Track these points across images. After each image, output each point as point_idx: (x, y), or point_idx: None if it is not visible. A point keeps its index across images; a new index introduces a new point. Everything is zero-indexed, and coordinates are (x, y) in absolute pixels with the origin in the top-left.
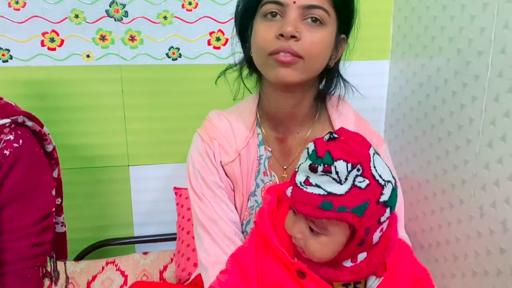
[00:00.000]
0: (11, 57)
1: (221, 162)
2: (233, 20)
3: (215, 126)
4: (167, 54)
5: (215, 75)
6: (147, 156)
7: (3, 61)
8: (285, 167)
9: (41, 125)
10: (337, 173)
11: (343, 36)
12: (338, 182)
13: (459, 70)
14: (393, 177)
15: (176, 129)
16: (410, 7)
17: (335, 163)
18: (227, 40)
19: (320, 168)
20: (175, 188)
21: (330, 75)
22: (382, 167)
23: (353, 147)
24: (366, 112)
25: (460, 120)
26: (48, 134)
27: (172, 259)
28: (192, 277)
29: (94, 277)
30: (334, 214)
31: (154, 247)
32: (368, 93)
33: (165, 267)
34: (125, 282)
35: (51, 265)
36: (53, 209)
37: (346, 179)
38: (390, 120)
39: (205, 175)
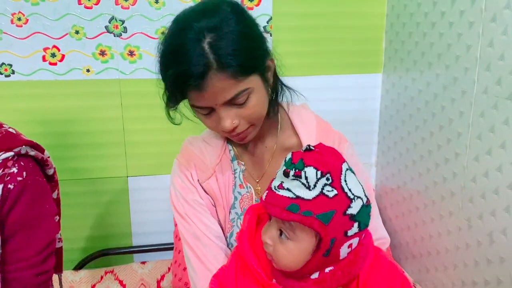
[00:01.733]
0: (13, 72)
1: (198, 180)
2: None
3: (190, 150)
4: None
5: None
6: (145, 167)
7: (6, 76)
8: (257, 180)
9: (42, 151)
10: (306, 178)
11: (268, 60)
12: (306, 188)
13: (447, 86)
14: (365, 195)
15: (174, 140)
16: (401, 23)
17: (306, 169)
18: None
19: (291, 173)
20: None
21: (273, 91)
22: (354, 183)
23: (325, 158)
24: (359, 124)
25: (448, 134)
26: (49, 157)
27: (169, 269)
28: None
29: (93, 286)
30: (299, 217)
31: (152, 257)
32: (361, 105)
33: (162, 277)
34: None
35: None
36: (56, 235)
37: (314, 185)
38: (383, 132)
39: (185, 195)
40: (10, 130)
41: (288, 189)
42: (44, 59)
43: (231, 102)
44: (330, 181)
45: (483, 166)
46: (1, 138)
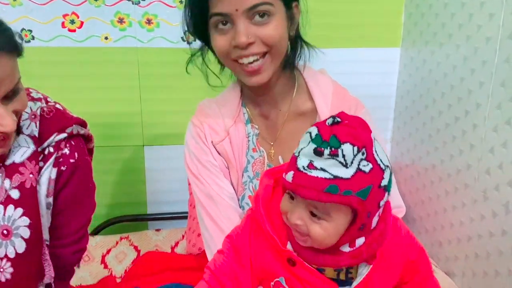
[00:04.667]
0: (33, 38)
1: (212, 142)
2: None
3: (204, 112)
4: (182, 38)
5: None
6: (161, 137)
7: (26, 42)
8: (271, 143)
9: (86, 125)
10: (343, 156)
11: (294, 3)
12: (344, 166)
13: (467, 57)
14: (389, 162)
15: (189, 111)
16: None
17: (342, 146)
18: None
19: (326, 152)
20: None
21: (293, 44)
22: (382, 152)
23: (358, 131)
24: (375, 99)
25: (467, 106)
26: (91, 135)
27: (183, 236)
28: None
29: (108, 251)
30: (339, 198)
31: (166, 225)
32: (378, 80)
33: (176, 243)
34: (138, 257)
35: None
36: (93, 211)
37: (351, 162)
38: (399, 107)
39: (199, 156)
40: (58, 106)
41: (322, 169)
42: (63, 25)
43: (251, 15)
44: (365, 155)
45: (502, 137)
46: (52, 118)
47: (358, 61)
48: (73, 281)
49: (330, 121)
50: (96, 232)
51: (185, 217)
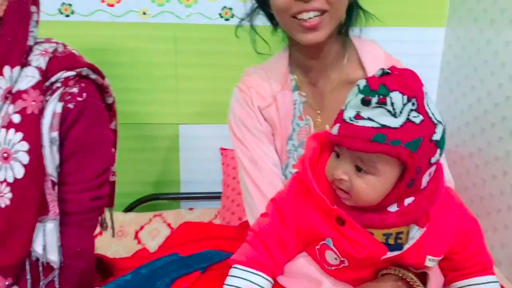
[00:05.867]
0: (72, 12)
1: (258, 107)
2: None
3: (251, 77)
4: (220, 14)
5: (266, 36)
6: (196, 116)
7: (66, 16)
8: (318, 112)
9: (103, 77)
10: (392, 104)
11: None
12: (392, 115)
13: None
14: (443, 119)
15: (226, 89)
16: None
17: (391, 94)
18: None
19: (374, 100)
20: (221, 148)
21: (349, 10)
22: (434, 107)
23: (408, 81)
24: None
25: None
26: (109, 86)
27: (216, 215)
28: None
29: (141, 227)
30: (387, 148)
31: (198, 205)
32: (420, 61)
33: (209, 222)
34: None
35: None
36: (112, 164)
37: (401, 112)
38: (443, 90)
39: (245, 120)
40: (74, 51)
41: (369, 119)
42: (102, 0)
43: None
44: (416, 106)
45: None
46: (64, 57)
47: (398, 40)
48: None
49: (379, 72)
50: (129, 209)
51: (218, 197)
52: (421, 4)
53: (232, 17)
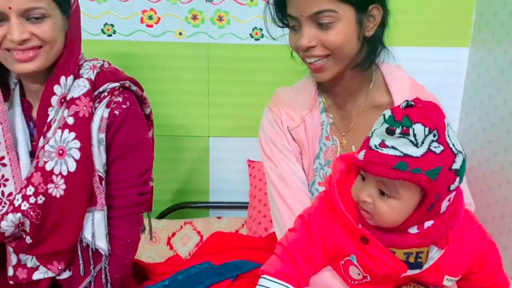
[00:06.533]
0: (114, 32)
1: (288, 127)
2: None
3: (281, 98)
4: (250, 34)
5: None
6: (226, 129)
7: (108, 35)
8: (344, 134)
9: (142, 90)
10: (414, 135)
11: (372, 6)
12: (414, 145)
13: None
14: (463, 149)
15: (254, 104)
16: None
17: (414, 126)
18: None
19: (398, 131)
20: (248, 160)
21: (371, 44)
22: (454, 137)
23: (430, 113)
24: (441, 99)
25: None
26: (147, 98)
27: (243, 225)
28: (269, 231)
29: (173, 234)
30: (408, 175)
31: (226, 214)
32: (444, 79)
33: (236, 231)
34: (201, 241)
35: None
36: (152, 164)
37: (422, 142)
38: (466, 108)
39: (274, 139)
40: (117, 67)
41: (393, 147)
42: (142, 21)
43: (316, 20)
44: (437, 137)
45: None
46: (110, 72)
47: (423, 60)
48: (142, 259)
49: (404, 104)
50: (162, 216)
51: (245, 207)
52: (447, 25)
53: (262, 37)
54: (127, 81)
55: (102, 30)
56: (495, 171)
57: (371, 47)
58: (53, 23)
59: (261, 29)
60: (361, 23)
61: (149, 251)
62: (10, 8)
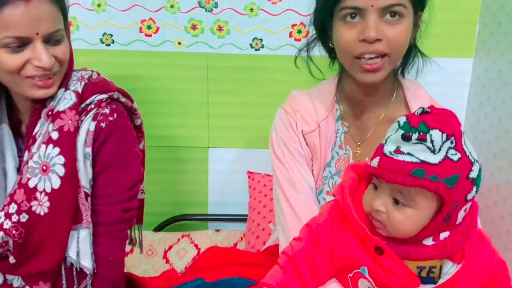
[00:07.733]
0: (113, 42)
1: (302, 131)
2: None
3: (297, 100)
4: (250, 45)
5: (294, 66)
6: (225, 140)
7: (106, 45)
8: (358, 144)
9: (132, 101)
10: (432, 141)
11: (420, 13)
12: (431, 151)
13: None
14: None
15: (255, 115)
16: (499, 4)
17: (431, 132)
18: (308, 33)
19: (414, 136)
20: (248, 172)
21: (408, 51)
22: (471, 146)
23: (447, 120)
24: None
25: None
26: (137, 109)
27: (242, 238)
28: (265, 247)
29: (170, 247)
30: (426, 182)
31: (226, 226)
32: (447, 91)
33: (235, 244)
34: (198, 254)
35: (135, 232)
36: (140, 179)
37: (440, 149)
38: (470, 120)
39: (287, 142)
40: (107, 79)
41: (409, 154)
42: (140, 30)
43: (386, 13)
44: (454, 144)
45: None
46: (98, 83)
47: (427, 71)
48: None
49: (419, 111)
50: (159, 228)
51: (244, 220)
52: (450, 36)
53: (262, 47)
54: (116, 92)
55: (101, 40)
56: (500, 185)
57: (407, 54)
58: (67, 43)
59: (261, 39)
60: (415, 27)
61: (145, 265)
62: (37, 33)
